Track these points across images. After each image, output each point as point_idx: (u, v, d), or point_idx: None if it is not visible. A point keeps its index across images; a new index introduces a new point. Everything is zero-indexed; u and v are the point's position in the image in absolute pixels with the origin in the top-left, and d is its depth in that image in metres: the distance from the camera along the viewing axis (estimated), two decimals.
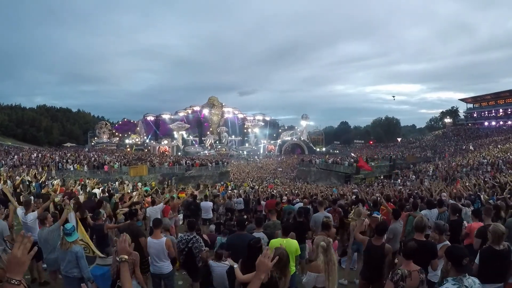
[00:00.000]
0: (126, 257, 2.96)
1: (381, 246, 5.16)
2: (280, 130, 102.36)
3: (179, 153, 74.87)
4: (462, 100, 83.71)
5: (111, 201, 11.84)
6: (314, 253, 4.33)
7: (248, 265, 4.32)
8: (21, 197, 12.43)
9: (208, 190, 23.19)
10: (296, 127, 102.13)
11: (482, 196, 12.09)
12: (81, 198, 11.60)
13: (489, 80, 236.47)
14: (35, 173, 21.36)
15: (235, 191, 24.24)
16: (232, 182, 37.77)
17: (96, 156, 44.36)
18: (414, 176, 36.03)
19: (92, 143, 78.86)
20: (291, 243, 5.31)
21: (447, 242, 5.04)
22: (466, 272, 3.24)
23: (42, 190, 14.17)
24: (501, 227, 4.57)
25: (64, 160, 35.60)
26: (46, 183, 16.81)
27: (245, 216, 9.79)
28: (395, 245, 6.66)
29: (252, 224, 7.77)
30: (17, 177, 18.35)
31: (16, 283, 1.88)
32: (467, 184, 18.09)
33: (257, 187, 28.86)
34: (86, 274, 5.27)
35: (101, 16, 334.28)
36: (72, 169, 32.50)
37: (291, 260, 5.34)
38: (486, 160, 32.53)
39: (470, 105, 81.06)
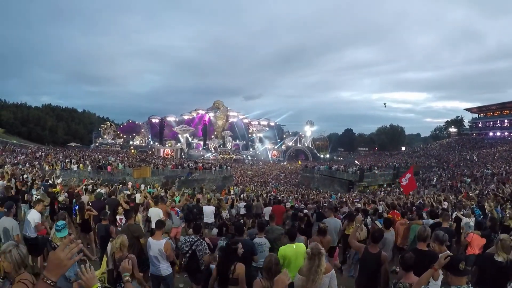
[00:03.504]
0: (128, 277, 3.08)
1: (377, 254, 5.15)
2: (284, 136, 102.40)
3: (183, 156, 74.95)
4: (468, 109, 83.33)
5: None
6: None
7: (223, 264, 4.48)
8: (25, 195, 12.52)
9: (210, 194, 23.19)
10: (300, 133, 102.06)
11: (486, 206, 12.09)
12: (85, 198, 11.63)
13: (496, 90, 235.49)
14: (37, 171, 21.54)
15: (242, 195, 24.24)
16: (235, 187, 37.77)
17: (100, 156, 44.43)
18: (418, 184, 35.95)
19: (97, 144, 79.12)
20: (300, 247, 5.32)
21: (448, 252, 5.05)
22: (466, 275, 3.25)
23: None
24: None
25: (67, 160, 35.71)
26: (52, 183, 16.87)
27: (242, 221, 9.77)
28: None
29: (254, 229, 7.79)
30: (24, 175, 18.46)
31: (51, 284, 1.88)
32: (470, 194, 18.07)
33: (260, 192, 28.86)
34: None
35: (107, 16, 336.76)
36: (75, 169, 32.56)
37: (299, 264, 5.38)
38: (489, 171, 32.46)
39: (475, 115, 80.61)
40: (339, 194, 31.79)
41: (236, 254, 4.79)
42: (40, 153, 41.19)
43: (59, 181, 18.22)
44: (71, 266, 1.94)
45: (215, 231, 10.29)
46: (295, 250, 5.21)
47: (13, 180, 15.15)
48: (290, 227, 8.48)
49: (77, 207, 10.38)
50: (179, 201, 14.04)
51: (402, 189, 22.19)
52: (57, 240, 5.36)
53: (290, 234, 5.63)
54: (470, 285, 3.25)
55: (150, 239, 5.88)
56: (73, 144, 77.49)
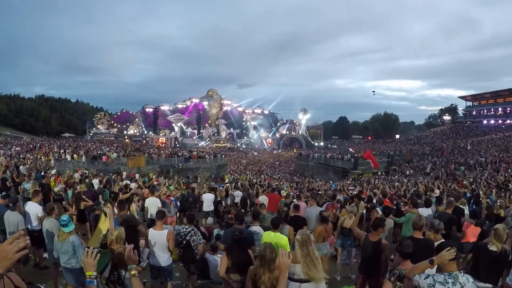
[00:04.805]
0: (135, 271, 3.05)
1: (378, 242, 5.20)
2: (278, 124, 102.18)
3: (177, 145, 74.81)
4: (462, 97, 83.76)
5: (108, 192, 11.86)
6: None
7: (234, 255, 4.50)
8: (18, 187, 12.45)
9: (205, 182, 23.23)
10: (294, 121, 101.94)
11: (480, 194, 12.17)
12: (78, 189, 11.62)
13: (490, 78, 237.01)
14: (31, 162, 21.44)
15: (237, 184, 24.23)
16: (230, 175, 37.76)
17: (94, 146, 44.20)
18: (412, 171, 36.14)
19: (91, 134, 78.68)
20: (279, 237, 5.27)
21: (443, 241, 5.07)
22: (457, 260, 3.26)
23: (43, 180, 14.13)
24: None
25: (62, 151, 35.44)
26: (46, 173, 16.80)
27: (243, 210, 9.77)
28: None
29: (249, 217, 7.80)
30: (21, 167, 18.39)
31: None
32: (464, 182, 18.18)
33: (255, 180, 28.89)
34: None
35: (100, 6, 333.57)
36: (69, 159, 32.37)
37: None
38: (483, 159, 32.64)
39: (470, 103, 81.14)
40: (329, 182, 31.85)
41: (246, 241, 4.77)
42: (34, 144, 40.88)
43: (53, 172, 18.12)
44: (15, 260, 1.87)
45: (210, 220, 10.32)
46: (271, 238, 5.17)
47: (8, 172, 15.09)
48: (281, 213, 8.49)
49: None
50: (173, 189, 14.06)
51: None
52: (65, 236, 5.30)
53: (273, 223, 5.57)
54: (463, 272, 3.26)
55: (151, 229, 5.80)
56: (67, 134, 77.25)
